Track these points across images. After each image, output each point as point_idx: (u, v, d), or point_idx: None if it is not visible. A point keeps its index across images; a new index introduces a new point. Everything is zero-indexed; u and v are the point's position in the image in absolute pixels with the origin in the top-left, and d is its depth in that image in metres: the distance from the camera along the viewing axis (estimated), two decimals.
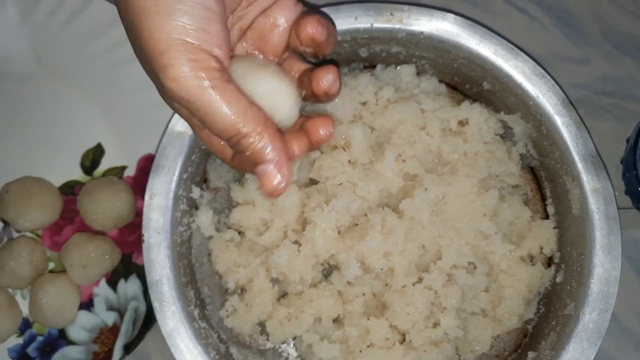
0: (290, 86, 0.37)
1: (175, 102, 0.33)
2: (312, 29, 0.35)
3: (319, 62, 0.40)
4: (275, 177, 0.34)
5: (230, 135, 0.33)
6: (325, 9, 0.46)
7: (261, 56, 0.38)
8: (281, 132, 0.35)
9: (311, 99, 0.38)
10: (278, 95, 0.36)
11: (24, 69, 0.55)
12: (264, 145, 0.33)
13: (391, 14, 0.45)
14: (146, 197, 0.43)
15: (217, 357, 0.43)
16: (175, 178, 0.44)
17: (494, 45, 0.45)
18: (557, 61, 0.55)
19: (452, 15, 0.45)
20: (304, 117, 0.38)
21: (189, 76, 0.31)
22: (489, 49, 0.45)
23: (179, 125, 0.44)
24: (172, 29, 0.31)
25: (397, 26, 0.46)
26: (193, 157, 0.45)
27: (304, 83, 0.38)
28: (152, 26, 0.31)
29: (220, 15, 0.32)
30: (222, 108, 0.32)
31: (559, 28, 0.56)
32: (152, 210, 0.43)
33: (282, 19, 0.37)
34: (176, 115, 0.45)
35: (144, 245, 0.42)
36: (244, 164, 0.35)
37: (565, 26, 0.56)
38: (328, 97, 0.38)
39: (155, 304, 0.42)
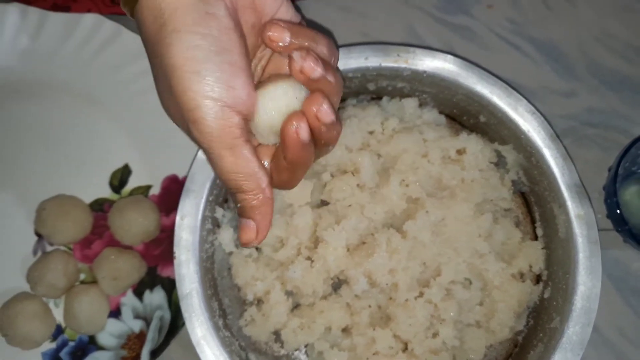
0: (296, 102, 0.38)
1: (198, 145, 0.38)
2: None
3: None
4: (252, 235, 0.38)
5: (231, 187, 0.37)
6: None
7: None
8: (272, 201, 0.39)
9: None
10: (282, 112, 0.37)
11: (58, 95, 0.59)
12: (255, 205, 0.37)
13: (398, 55, 0.50)
14: (177, 218, 0.48)
15: None
16: (203, 201, 0.49)
17: (490, 84, 0.50)
18: (547, 94, 0.60)
19: (452, 57, 0.50)
20: None
21: (214, 134, 0.34)
22: (486, 88, 0.50)
23: None
24: (200, 88, 0.34)
25: (402, 65, 0.51)
26: (217, 181, 0.50)
27: None
28: (183, 84, 0.34)
29: (245, 68, 0.36)
30: (233, 165, 0.36)
31: (548, 64, 0.61)
32: (182, 230, 0.48)
33: None
34: None
35: (175, 262, 0.47)
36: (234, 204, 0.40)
37: (554, 62, 0.61)
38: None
39: (186, 315, 0.46)
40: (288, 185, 0.40)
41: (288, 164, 0.37)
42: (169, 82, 0.34)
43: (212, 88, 0.34)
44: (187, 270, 0.47)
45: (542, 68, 0.61)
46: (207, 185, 0.49)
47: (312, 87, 0.37)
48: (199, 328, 0.46)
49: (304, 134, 0.35)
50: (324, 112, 0.36)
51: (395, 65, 0.51)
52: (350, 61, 0.50)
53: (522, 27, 0.62)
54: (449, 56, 0.50)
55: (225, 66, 0.34)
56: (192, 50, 0.33)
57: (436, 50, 0.51)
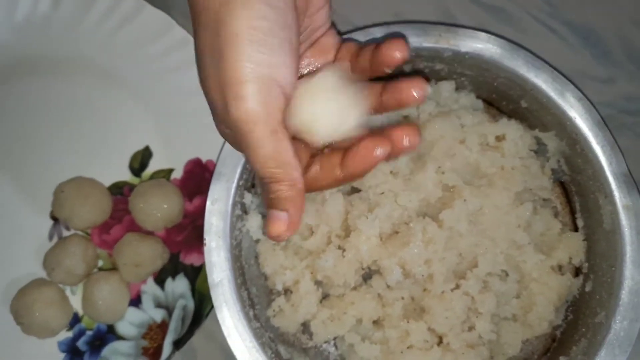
0: (348, 109, 0.37)
1: (230, 129, 0.35)
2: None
3: None
4: (284, 227, 0.36)
5: (264, 176, 0.35)
6: (376, 29, 0.48)
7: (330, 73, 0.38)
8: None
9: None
10: (331, 117, 0.37)
11: (76, 72, 0.56)
12: (290, 196, 0.35)
13: (439, 35, 0.48)
14: (208, 202, 0.45)
15: (272, 355, 0.45)
16: (234, 185, 0.46)
17: (536, 68, 0.48)
18: (583, 80, 0.58)
19: (496, 38, 0.48)
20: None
21: (258, 115, 0.32)
22: (531, 71, 0.48)
23: None
24: (258, 59, 0.32)
25: (444, 46, 0.48)
26: (247, 165, 0.48)
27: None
28: (240, 54, 0.32)
29: (298, 51, 0.34)
30: (273, 153, 0.34)
31: (586, 48, 0.59)
32: (213, 215, 0.45)
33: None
34: None
35: (206, 249, 0.45)
36: (264, 194, 0.37)
37: (591, 46, 0.59)
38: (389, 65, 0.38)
39: (217, 304, 0.44)
40: (319, 189, 0.39)
41: (344, 177, 0.36)
42: (222, 51, 0.32)
43: (269, 63, 0.32)
44: (217, 258, 0.45)
45: (579, 53, 0.59)
46: (238, 169, 0.46)
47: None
48: (231, 318, 0.44)
49: (383, 157, 0.35)
50: (414, 142, 0.36)
51: (437, 45, 0.48)
52: None
53: (559, 10, 0.60)
54: (493, 37, 0.48)
55: (285, 44, 0.33)
56: (260, 21, 0.32)
57: (479, 31, 0.48)
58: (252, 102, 0.32)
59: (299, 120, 0.36)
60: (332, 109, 0.36)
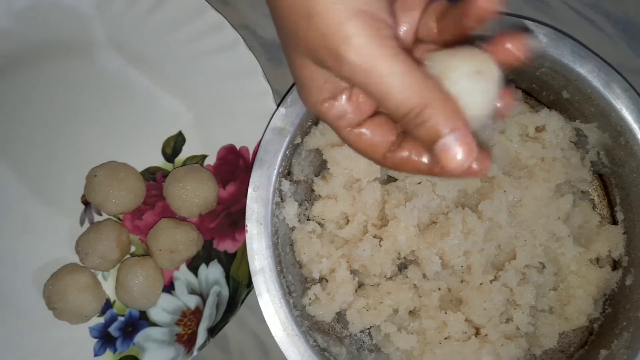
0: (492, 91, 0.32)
1: (352, 78, 0.31)
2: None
3: None
4: (461, 150, 0.30)
5: (408, 108, 0.31)
6: None
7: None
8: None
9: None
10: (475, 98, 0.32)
11: (108, 57, 0.55)
12: (443, 118, 0.30)
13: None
14: (249, 189, 0.45)
15: (314, 344, 0.45)
16: (275, 172, 0.46)
17: (582, 57, 0.47)
18: (621, 72, 0.57)
19: (543, 26, 0.47)
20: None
21: (374, 45, 0.30)
22: (577, 61, 0.47)
23: (280, 121, 0.46)
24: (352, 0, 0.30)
25: (488, 34, 0.47)
26: (287, 152, 0.47)
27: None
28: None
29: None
30: (404, 78, 0.30)
31: (624, 40, 0.58)
32: (255, 202, 0.45)
33: None
34: (278, 111, 0.46)
35: (247, 235, 0.44)
36: (403, 161, 0.34)
37: (630, 38, 0.58)
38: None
39: (258, 291, 0.43)
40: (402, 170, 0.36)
41: (438, 172, 0.34)
42: (312, 6, 0.31)
43: (362, 0, 0.30)
44: (259, 245, 0.44)
45: (617, 45, 0.58)
46: (279, 156, 0.46)
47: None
48: (272, 305, 0.43)
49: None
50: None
51: (481, 32, 0.47)
52: None
53: (598, 1, 0.59)
54: (540, 25, 0.47)
55: None
56: None
57: (525, 18, 0.47)
58: (361, 37, 0.30)
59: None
60: (483, 95, 0.32)
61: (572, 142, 0.51)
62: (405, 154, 0.35)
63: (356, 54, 0.30)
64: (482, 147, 0.32)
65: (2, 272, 0.53)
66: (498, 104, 0.33)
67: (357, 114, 0.35)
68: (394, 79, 0.30)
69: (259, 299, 0.43)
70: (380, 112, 0.36)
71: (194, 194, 0.50)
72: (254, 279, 0.43)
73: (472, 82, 0.31)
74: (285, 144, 0.46)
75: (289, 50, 0.35)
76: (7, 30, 0.54)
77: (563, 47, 0.47)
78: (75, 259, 0.52)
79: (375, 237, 0.49)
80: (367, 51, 0.30)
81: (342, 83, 0.34)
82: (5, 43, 0.55)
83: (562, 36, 0.47)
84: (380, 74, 0.30)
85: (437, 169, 0.34)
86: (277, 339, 0.43)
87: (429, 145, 0.31)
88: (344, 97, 0.34)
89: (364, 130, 0.35)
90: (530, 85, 0.52)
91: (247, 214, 0.44)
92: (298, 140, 0.48)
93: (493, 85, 0.32)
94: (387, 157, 0.35)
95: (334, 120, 0.35)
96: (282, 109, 0.46)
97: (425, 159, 0.34)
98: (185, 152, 0.55)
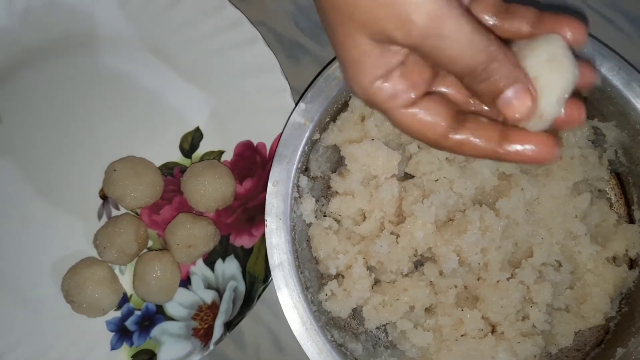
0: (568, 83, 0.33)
1: (421, 46, 0.32)
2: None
3: None
4: (524, 98, 0.32)
5: (476, 64, 0.32)
6: None
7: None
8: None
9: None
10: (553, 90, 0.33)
11: (127, 51, 0.55)
12: (507, 70, 0.32)
13: None
14: (269, 184, 0.45)
15: (331, 339, 0.45)
16: (294, 167, 0.46)
17: (601, 56, 0.47)
18: None
19: None
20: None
21: (443, 6, 0.30)
22: (597, 59, 0.47)
23: (300, 116, 0.46)
24: None
25: None
26: (305, 148, 0.47)
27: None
28: None
29: None
30: (473, 36, 0.31)
31: None
32: (274, 197, 0.45)
33: None
34: (298, 107, 0.47)
35: (267, 230, 0.44)
36: (465, 143, 0.34)
37: None
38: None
39: (277, 286, 0.44)
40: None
41: (502, 153, 0.34)
42: None
43: None
44: (278, 240, 0.44)
45: (636, 44, 0.58)
46: (299, 151, 0.46)
47: None
48: (291, 300, 0.44)
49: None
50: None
51: None
52: None
53: (617, 0, 0.59)
54: None
55: None
56: None
57: None
58: (430, 1, 0.30)
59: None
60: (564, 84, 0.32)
61: (590, 140, 0.51)
62: (467, 135, 0.34)
63: (427, 17, 0.30)
64: (552, 134, 0.33)
65: (21, 266, 0.53)
66: (563, 110, 0.33)
67: (411, 91, 0.34)
68: (463, 38, 0.31)
69: (278, 294, 0.44)
70: (433, 92, 0.36)
71: (212, 189, 0.50)
72: (273, 274, 0.44)
73: (549, 66, 0.32)
74: (304, 140, 0.46)
75: (340, 30, 0.34)
76: (33, 23, 0.55)
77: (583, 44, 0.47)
78: (92, 252, 0.53)
79: (392, 233, 0.49)
80: (437, 13, 0.30)
81: (395, 58, 0.33)
82: (28, 38, 0.55)
83: None
84: (451, 35, 0.31)
85: (501, 150, 0.34)
86: (295, 333, 0.43)
87: (494, 98, 0.32)
88: (397, 73, 0.34)
89: (418, 110, 0.35)
90: None
91: (266, 209, 0.45)
92: (316, 136, 0.48)
93: (568, 75, 0.33)
94: (448, 138, 0.35)
95: (386, 100, 0.34)
96: (302, 104, 0.47)
97: (487, 140, 0.34)
98: (203, 148, 0.55)
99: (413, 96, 0.34)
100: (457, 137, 0.34)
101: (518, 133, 0.34)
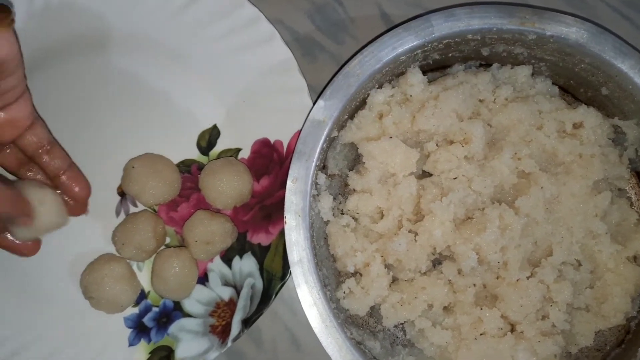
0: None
1: None
2: None
3: None
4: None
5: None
6: (458, 9, 0.47)
7: None
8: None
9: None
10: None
11: (144, 50, 0.56)
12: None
13: (525, 17, 0.47)
14: (288, 181, 0.45)
15: (351, 336, 0.45)
16: (313, 165, 0.46)
17: (623, 54, 0.46)
18: None
19: (584, 21, 0.47)
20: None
21: None
22: (618, 57, 0.46)
23: (319, 114, 0.46)
24: None
25: (529, 29, 0.47)
26: (324, 145, 0.47)
27: None
28: None
29: None
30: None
31: None
32: (293, 193, 0.45)
33: None
34: (317, 104, 0.46)
35: (286, 227, 0.44)
36: None
37: None
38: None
39: (297, 282, 0.44)
40: None
41: None
42: None
43: None
44: (297, 237, 0.44)
45: None
46: (318, 149, 0.46)
47: None
48: (310, 297, 0.44)
49: None
50: None
51: (521, 28, 0.47)
52: (473, 21, 0.47)
53: None
54: (580, 21, 0.47)
55: None
56: None
57: (566, 14, 0.47)
58: None
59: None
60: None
61: (610, 139, 0.50)
62: None
63: None
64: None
65: (40, 263, 0.53)
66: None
67: None
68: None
69: (298, 290, 0.44)
70: None
71: (229, 186, 0.51)
72: (292, 270, 0.44)
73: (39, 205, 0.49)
74: (323, 137, 0.46)
75: None
76: (51, 21, 0.55)
77: (604, 42, 0.47)
78: (111, 249, 0.53)
79: (410, 231, 0.49)
80: None
81: None
82: (46, 37, 0.55)
83: (604, 32, 0.47)
84: None
85: None
86: (315, 330, 0.43)
87: None
88: None
89: None
90: (568, 81, 0.52)
91: (285, 206, 0.44)
92: (335, 133, 0.48)
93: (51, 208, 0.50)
94: None
95: None
96: (321, 102, 0.47)
97: None
98: (220, 146, 0.55)
99: None
100: None
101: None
